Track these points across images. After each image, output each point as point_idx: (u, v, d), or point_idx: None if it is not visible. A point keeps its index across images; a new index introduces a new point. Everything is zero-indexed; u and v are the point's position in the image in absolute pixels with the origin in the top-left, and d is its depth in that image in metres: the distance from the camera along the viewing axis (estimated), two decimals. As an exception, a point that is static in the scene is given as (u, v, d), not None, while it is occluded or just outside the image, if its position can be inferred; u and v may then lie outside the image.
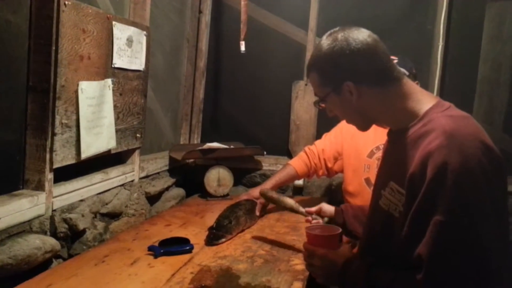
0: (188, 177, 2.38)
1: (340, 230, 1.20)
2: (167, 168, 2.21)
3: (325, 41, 1.05)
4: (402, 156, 1.00)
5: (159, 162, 2.14)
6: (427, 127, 0.96)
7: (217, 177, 2.19)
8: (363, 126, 1.13)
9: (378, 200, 1.09)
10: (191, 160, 2.41)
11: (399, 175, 0.99)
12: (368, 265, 1.05)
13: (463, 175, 0.87)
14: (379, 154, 1.81)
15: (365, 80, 1.03)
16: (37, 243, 1.25)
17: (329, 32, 1.07)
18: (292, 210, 1.50)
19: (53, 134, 1.34)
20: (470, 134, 0.92)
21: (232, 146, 2.33)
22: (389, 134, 1.13)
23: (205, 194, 2.19)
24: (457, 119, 0.95)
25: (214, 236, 1.52)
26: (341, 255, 1.12)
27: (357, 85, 1.03)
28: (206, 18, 2.52)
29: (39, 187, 1.34)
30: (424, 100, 1.03)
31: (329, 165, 1.99)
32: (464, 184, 0.87)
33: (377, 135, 1.76)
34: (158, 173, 2.13)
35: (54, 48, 1.31)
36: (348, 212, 1.47)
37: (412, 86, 1.05)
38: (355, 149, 1.89)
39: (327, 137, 2.04)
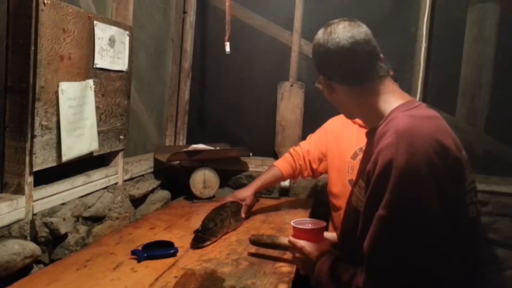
0: (174, 179, 2.36)
1: (324, 224, 1.23)
2: (151, 170, 2.18)
3: (319, 33, 1.11)
4: (368, 155, 1.03)
5: (144, 164, 2.11)
6: (387, 127, 0.98)
7: (203, 179, 2.17)
8: (346, 115, 1.19)
9: (351, 198, 1.12)
10: (177, 162, 2.39)
11: (364, 173, 1.02)
12: (334, 259, 1.08)
13: (408, 172, 0.88)
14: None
15: (334, 78, 1.08)
16: (16, 248, 1.22)
17: (326, 24, 1.11)
18: None
19: (33, 136, 1.30)
20: (425, 134, 0.92)
21: (218, 148, 2.32)
22: (366, 134, 1.16)
23: (191, 196, 2.17)
24: (417, 118, 0.96)
25: (200, 239, 1.50)
26: (317, 249, 1.15)
27: (327, 80, 1.10)
28: (191, 18, 2.50)
29: (19, 190, 1.30)
30: (392, 100, 1.04)
31: (314, 166, 1.99)
32: (407, 181, 0.88)
33: (360, 137, 1.78)
34: (142, 175, 2.10)
35: (33, 48, 1.28)
36: None
37: (385, 87, 1.06)
38: (339, 150, 1.90)
39: (312, 138, 2.04)
